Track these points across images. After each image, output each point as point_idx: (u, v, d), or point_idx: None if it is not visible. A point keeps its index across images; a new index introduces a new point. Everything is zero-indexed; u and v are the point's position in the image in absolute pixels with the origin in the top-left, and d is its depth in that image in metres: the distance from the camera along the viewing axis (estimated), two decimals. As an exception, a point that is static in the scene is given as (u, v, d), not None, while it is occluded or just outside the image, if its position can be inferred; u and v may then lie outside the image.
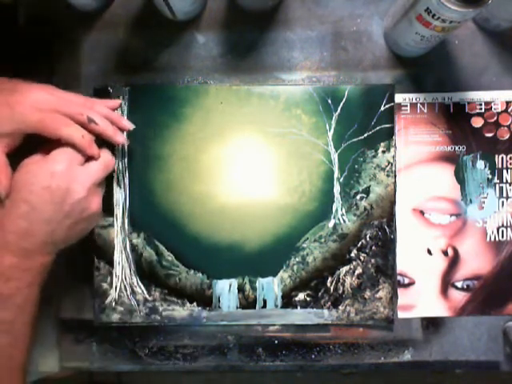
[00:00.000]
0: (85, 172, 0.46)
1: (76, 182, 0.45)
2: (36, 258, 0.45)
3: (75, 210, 0.45)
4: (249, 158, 0.55)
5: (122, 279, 0.55)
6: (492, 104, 0.56)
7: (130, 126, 0.51)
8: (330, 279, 0.55)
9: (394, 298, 0.55)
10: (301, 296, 0.55)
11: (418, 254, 0.55)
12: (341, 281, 0.55)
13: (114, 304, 0.54)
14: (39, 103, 0.44)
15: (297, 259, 0.55)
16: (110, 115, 0.49)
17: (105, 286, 0.55)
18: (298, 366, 0.56)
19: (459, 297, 0.55)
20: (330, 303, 0.55)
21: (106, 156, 0.48)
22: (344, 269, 0.55)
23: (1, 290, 0.43)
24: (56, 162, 0.45)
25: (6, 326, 0.44)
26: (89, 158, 0.47)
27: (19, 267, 0.44)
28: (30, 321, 0.46)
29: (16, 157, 0.45)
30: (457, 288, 0.55)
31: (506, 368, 0.56)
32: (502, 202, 0.56)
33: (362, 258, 0.55)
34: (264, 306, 0.55)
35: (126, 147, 0.53)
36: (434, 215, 0.55)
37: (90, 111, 0.47)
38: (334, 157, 0.55)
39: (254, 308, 0.55)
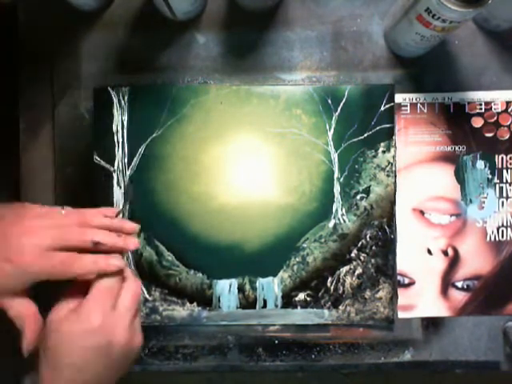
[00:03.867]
0: (120, 316, 0.42)
1: (115, 333, 0.42)
2: None
3: (120, 357, 0.42)
4: (249, 158, 0.55)
5: (122, 279, 0.55)
6: (492, 104, 0.56)
7: (136, 226, 0.47)
8: (330, 279, 0.55)
9: (394, 298, 0.55)
10: (301, 296, 0.55)
11: (418, 253, 0.55)
12: (341, 281, 0.55)
13: (114, 304, 0.54)
14: (38, 246, 0.41)
15: (297, 259, 0.55)
16: (112, 225, 0.46)
17: (105, 286, 0.54)
18: (298, 366, 0.56)
19: (459, 297, 0.55)
20: (330, 303, 0.55)
21: (130, 285, 0.44)
22: (344, 269, 0.55)
23: None
24: (90, 319, 0.41)
25: None
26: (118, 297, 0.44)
27: None
28: None
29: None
30: (457, 288, 0.55)
31: (506, 368, 0.56)
32: (502, 202, 0.56)
33: (362, 258, 0.55)
34: (264, 306, 0.55)
35: (139, 245, 0.49)
36: (434, 215, 0.55)
37: (91, 232, 0.43)
38: (334, 157, 0.55)
39: (254, 308, 0.55)
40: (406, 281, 0.55)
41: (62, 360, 0.41)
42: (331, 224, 0.55)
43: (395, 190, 0.55)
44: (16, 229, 0.42)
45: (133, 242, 0.45)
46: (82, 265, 0.42)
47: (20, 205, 0.45)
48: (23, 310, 0.43)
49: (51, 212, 0.44)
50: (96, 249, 0.43)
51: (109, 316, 0.42)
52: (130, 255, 0.55)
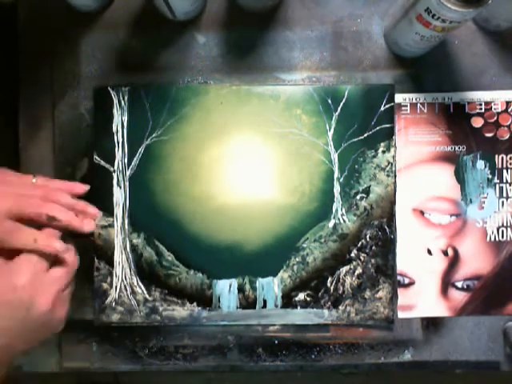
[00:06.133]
0: (49, 281, 0.43)
1: (40, 295, 0.42)
2: None
3: (37, 323, 0.42)
4: (249, 158, 0.55)
5: (122, 279, 0.55)
6: (492, 104, 0.56)
7: (98, 212, 0.49)
8: (330, 279, 0.55)
9: (394, 298, 0.55)
10: (301, 296, 0.55)
11: (418, 253, 0.55)
12: (341, 281, 0.55)
13: (114, 304, 0.54)
14: None
15: (297, 259, 0.55)
16: (74, 205, 0.46)
17: (105, 285, 0.55)
18: (298, 366, 0.56)
19: (459, 297, 0.55)
20: (330, 303, 0.55)
21: (69, 257, 0.45)
22: (344, 269, 0.55)
23: None
24: (19, 273, 0.41)
25: None
26: (55, 260, 0.44)
27: None
28: None
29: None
30: (457, 288, 0.55)
31: (506, 368, 0.56)
32: (502, 202, 0.56)
33: (362, 258, 0.55)
34: (264, 306, 0.55)
35: (95, 228, 0.50)
36: (434, 215, 0.55)
37: (49, 207, 0.44)
38: (334, 157, 0.55)
39: (254, 308, 0.55)
40: (406, 281, 0.55)
41: None
42: (331, 224, 0.55)
43: (395, 190, 0.55)
44: None
45: (89, 224, 0.47)
46: (21, 239, 0.42)
47: None
48: None
49: (22, 179, 0.45)
50: (51, 224, 0.44)
51: (38, 278, 0.42)
52: (130, 256, 0.55)
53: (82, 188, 0.49)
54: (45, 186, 0.46)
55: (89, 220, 0.48)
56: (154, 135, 0.54)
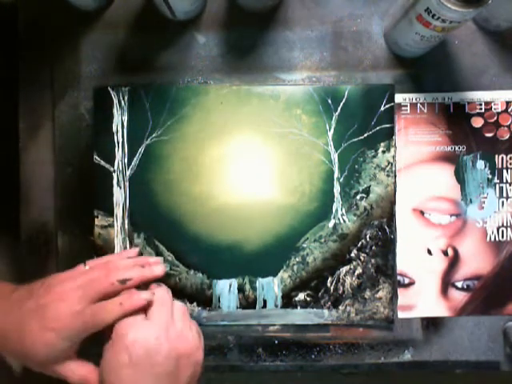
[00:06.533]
0: (151, 325, 0.44)
1: (153, 340, 0.43)
2: None
3: (169, 362, 0.43)
4: (249, 158, 0.55)
5: (122, 279, 0.55)
6: (492, 104, 0.56)
7: (158, 259, 0.50)
8: (330, 279, 0.55)
9: (394, 298, 0.55)
10: (301, 296, 0.55)
11: (418, 254, 0.55)
12: (341, 281, 0.55)
13: (114, 304, 0.54)
14: (72, 308, 0.43)
15: (297, 259, 0.55)
16: (137, 262, 0.47)
17: (105, 286, 0.54)
18: (298, 366, 0.56)
19: (459, 297, 0.55)
20: (330, 303, 0.55)
21: (159, 294, 0.46)
22: (344, 269, 0.55)
23: None
24: (126, 336, 0.43)
25: None
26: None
27: None
28: None
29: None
30: (457, 288, 0.55)
31: (506, 368, 0.56)
32: (502, 202, 0.56)
33: (362, 258, 0.55)
34: (264, 306, 0.55)
35: (166, 268, 0.51)
36: (434, 215, 0.55)
37: (115, 274, 0.45)
38: (334, 157, 0.55)
39: (254, 308, 0.55)
40: (406, 281, 0.55)
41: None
42: (331, 224, 0.55)
43: (395, 190, 0.55)
44: (48, 298, 0.44)
45: (159, 268, 0.47)
46: (108, 313, 0.43)
47: (46, 277, 0.46)
48: (81, 371, 0.45)
49: (76, 272, 0.46)
50: (125, 287, 0.45)
51: (141, 328, 0.43)
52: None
53: (134, 252, 0.50)
54: (100, 264, 0.47)
55: (156, 265, 0.48)
56: (154, 135, 0.54)
